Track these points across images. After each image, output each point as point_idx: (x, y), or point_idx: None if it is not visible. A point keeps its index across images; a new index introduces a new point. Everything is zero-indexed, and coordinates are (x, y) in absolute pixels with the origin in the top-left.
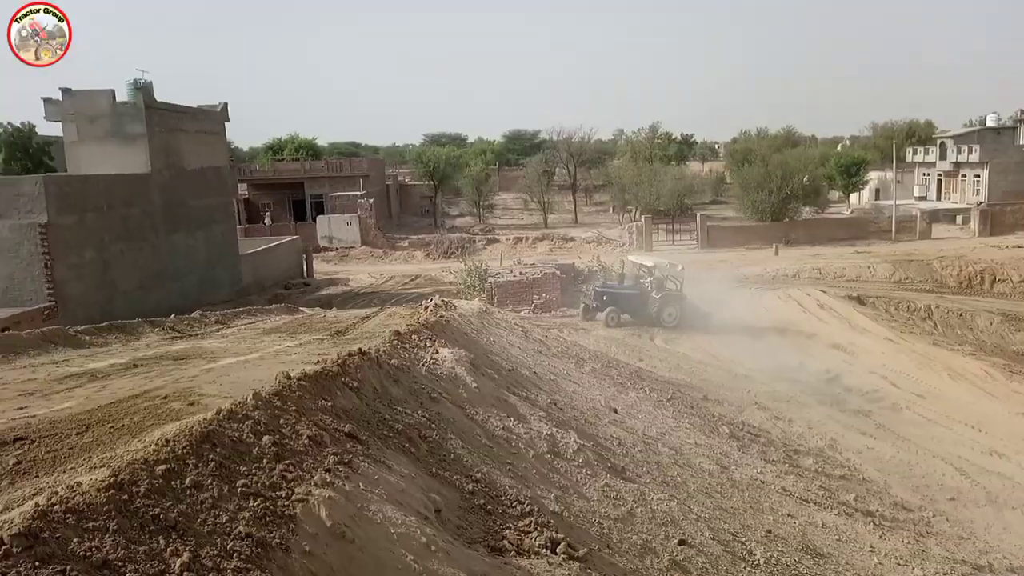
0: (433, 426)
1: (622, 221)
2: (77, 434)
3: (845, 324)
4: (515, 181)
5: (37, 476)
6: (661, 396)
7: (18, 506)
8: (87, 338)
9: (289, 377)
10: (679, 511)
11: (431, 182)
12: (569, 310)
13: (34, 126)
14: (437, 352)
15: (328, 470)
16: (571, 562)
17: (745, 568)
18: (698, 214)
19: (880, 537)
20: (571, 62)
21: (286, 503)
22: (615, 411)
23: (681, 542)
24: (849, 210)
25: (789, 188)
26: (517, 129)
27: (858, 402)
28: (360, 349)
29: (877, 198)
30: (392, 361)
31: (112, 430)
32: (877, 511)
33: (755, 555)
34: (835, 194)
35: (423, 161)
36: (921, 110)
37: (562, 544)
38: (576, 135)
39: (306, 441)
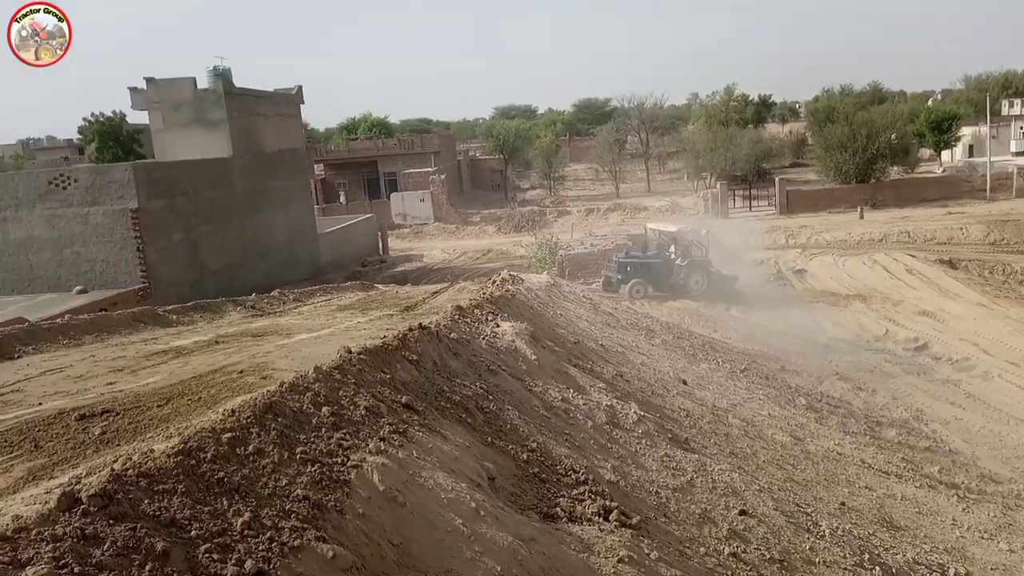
0: (490, 397)
1: (696, 188)
2: (158, 406)
3: (935, 289)
4: (586, 151)
5: (119, 445)
6: (735, 367)
7: (99, 471)
8: (174, 317)
9: (350, 352)
10: (741, 481)
11: (501, 156)
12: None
13: (124, 115)
14: (498, 326)
15: (383, 439)
16: (623, 529)
17: (809, 539)
18: (776, 178)
19: (964, 510)
20: (643, 26)
21: (342, 469)
22: (684, 382)
23: (742, 512)
24: (941, 169)
25: (875, 147)
26: (587, 98)
27: (947, 371)
28: (420, 324)
29: (971, 155)
30: (452, 335)
31: (190, 402)
32: (963, 484)
33: (820, 526)
34: (926, 152)
35: (493, 135)
36: (1018, 59)
37: (615, 512)
38: (648, 101)
39: (363, 412)
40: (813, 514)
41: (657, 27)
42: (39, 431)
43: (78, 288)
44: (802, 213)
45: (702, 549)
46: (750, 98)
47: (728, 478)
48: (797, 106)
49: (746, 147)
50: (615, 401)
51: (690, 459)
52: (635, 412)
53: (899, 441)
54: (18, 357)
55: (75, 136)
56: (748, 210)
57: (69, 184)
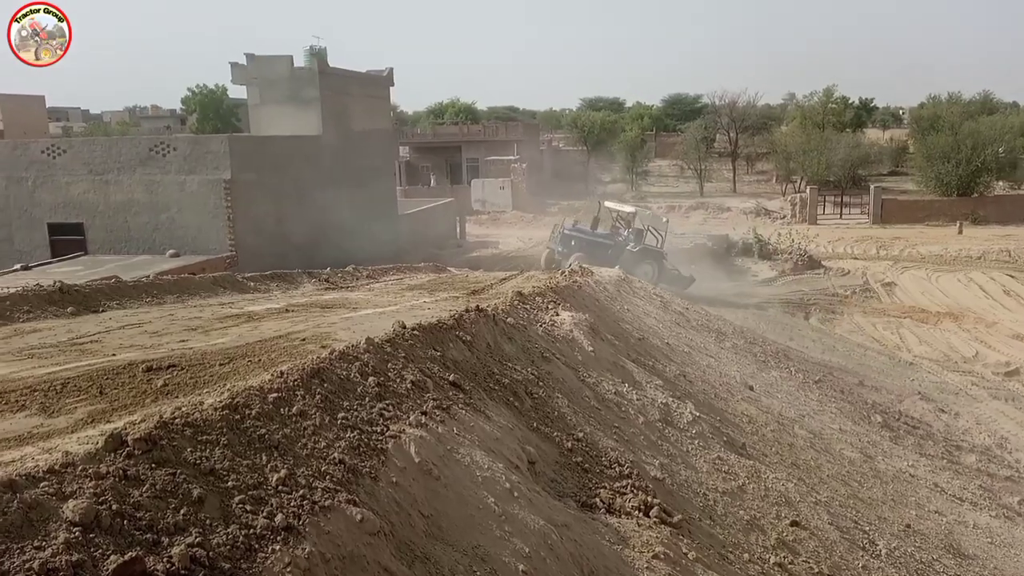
0: (541, 384)
1: (785, 192)
2: (220, 365)
3: None
4: (671, 147)
5: (177, 397)
6: (808, 378)
7: (150, 418)
8: (252, 284)
9: (404, 327)
10: (797, 492)
11: (584, 147)
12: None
13: (226, 89)
14: (557, 315)
15: (425, 413)
16: (663, 526)
17: (863, 556)
18: (872, 186)
19: None
20: (740, 22)
21: (380, 438)
22: (751, 388)
23: (793, 523)
24: None
25: (980, 160)
26: (677, 93)
27: None
28: (477, 306)
29: None
30: (509, 319)
31: (250, 364)
32: None
33: (877, 545)
34: None
35: (577, 126)
36: None
37: (656, 508)
38: (741, 99)
39: (409, 385)
40: (872, 533)
41: (755, 23)
42: (107, 379)
43: (171, 252)
44: (897, 224)
45: (746, 555)
46: (850, 101)
47: (783, 487)
48: (900, 112)
49: (842, 152)
50: (671, 399)
51: (744, 464)
52: (691, 412)
53: (978, 468)
54: (102, 311)
55: (178, 107)
56: (839, 217)
57: (169, 152)
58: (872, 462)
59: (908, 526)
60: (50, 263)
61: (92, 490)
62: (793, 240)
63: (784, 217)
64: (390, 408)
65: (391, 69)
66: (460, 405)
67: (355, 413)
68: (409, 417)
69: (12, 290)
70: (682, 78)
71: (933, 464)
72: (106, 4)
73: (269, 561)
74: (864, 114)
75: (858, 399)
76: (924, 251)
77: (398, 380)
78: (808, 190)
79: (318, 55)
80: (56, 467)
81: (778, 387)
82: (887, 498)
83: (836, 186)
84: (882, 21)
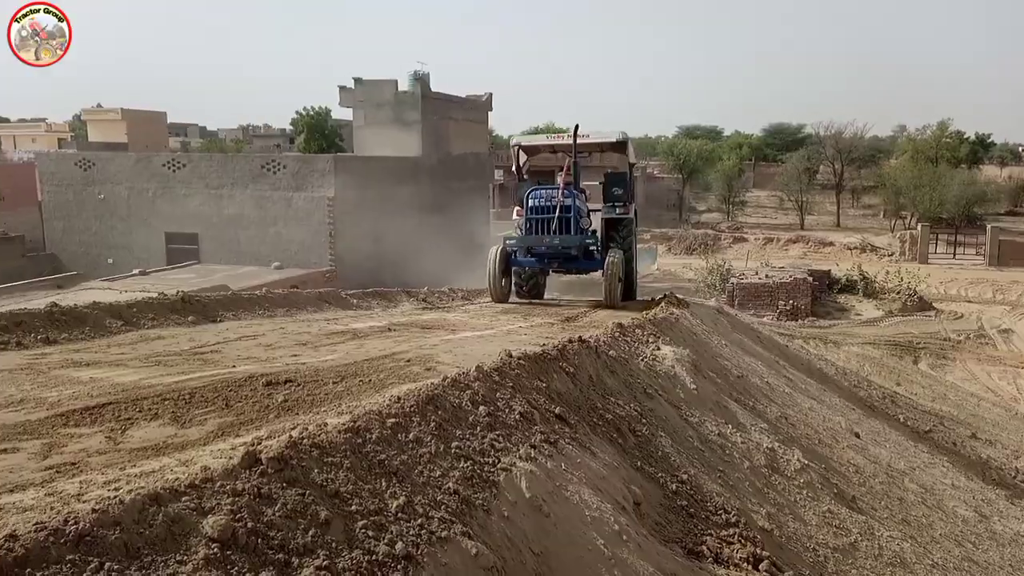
0: (644, 421)
1: (893, 228)
2: (333, 383)
3: None
4: (771, 178)
5: (297, 414)
6: (917, 426)
7: (278, 436)
8: (355, 301)
9: (511, 356)
10: (912, 553)
11: (680, 175)
12: (819, 321)
13: (329, 110)
14: (659, 349)
15: (534, 446)
16: None
17: None
18: (988, 225)
19: None
20: (847, 50)
21: (492, 470)
22: (857, 435)
23: None
24: None
25: None
26: (779, 123)
27: None
28: (580, 337)
29: None
30: (611, 352)
31: (361, 383)
32: None
33: None
34: None
35: (673, 153)
36: None
37: (766, 562)
38: (847, 130)
39: (517, 416)
40: None
41: (864, 52)
42: (231, 391)
43: (275, 264)
44: (1015, 267)
45: None
46: (965, 135)
47: (897, 547)
48: (1021, 149)
49: (956, 188)
50: (777, 444)
51: (856, 520)
52: (799, 459)
53: None
54: (220, 321)
55: (288, 127)
56: (952, 257)
57: (278, 170)
58: (987, 522)
59: None
60: (165, 269)
61: (229, 507)
62: (902, 279)
63: (892, 254)
64: (500, 439)
65: (490, 94)
66: (567, 440)
67: (467, 443)
68: (519, 450)
69: (140, 297)
70: (784, 108)
71: None
72: (226, 32)
73: None
74: (981, 150)
75: (971, 453)
76: None
77: (507, 411)
78: (919, 227)
79: (421, 80)
80: (196, 482)
81: (885, 436)
82: (1004, 562)
83: (949, 224)
84: (1000, 54)
